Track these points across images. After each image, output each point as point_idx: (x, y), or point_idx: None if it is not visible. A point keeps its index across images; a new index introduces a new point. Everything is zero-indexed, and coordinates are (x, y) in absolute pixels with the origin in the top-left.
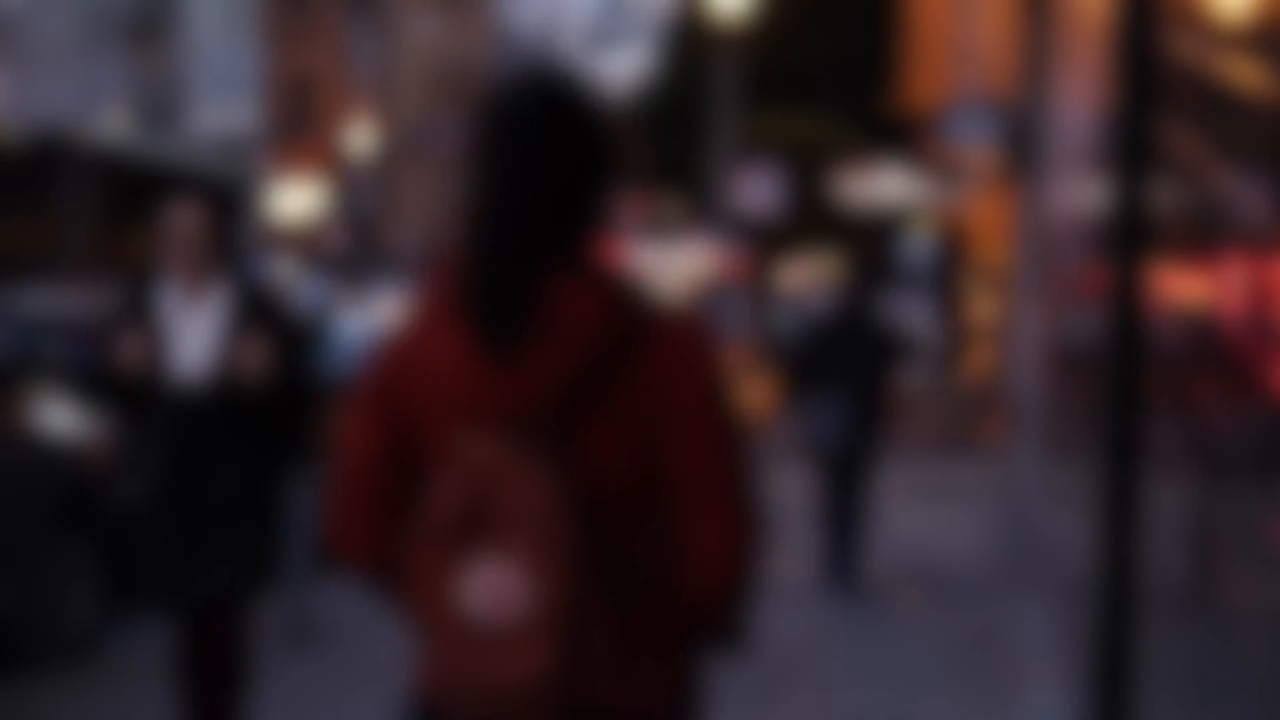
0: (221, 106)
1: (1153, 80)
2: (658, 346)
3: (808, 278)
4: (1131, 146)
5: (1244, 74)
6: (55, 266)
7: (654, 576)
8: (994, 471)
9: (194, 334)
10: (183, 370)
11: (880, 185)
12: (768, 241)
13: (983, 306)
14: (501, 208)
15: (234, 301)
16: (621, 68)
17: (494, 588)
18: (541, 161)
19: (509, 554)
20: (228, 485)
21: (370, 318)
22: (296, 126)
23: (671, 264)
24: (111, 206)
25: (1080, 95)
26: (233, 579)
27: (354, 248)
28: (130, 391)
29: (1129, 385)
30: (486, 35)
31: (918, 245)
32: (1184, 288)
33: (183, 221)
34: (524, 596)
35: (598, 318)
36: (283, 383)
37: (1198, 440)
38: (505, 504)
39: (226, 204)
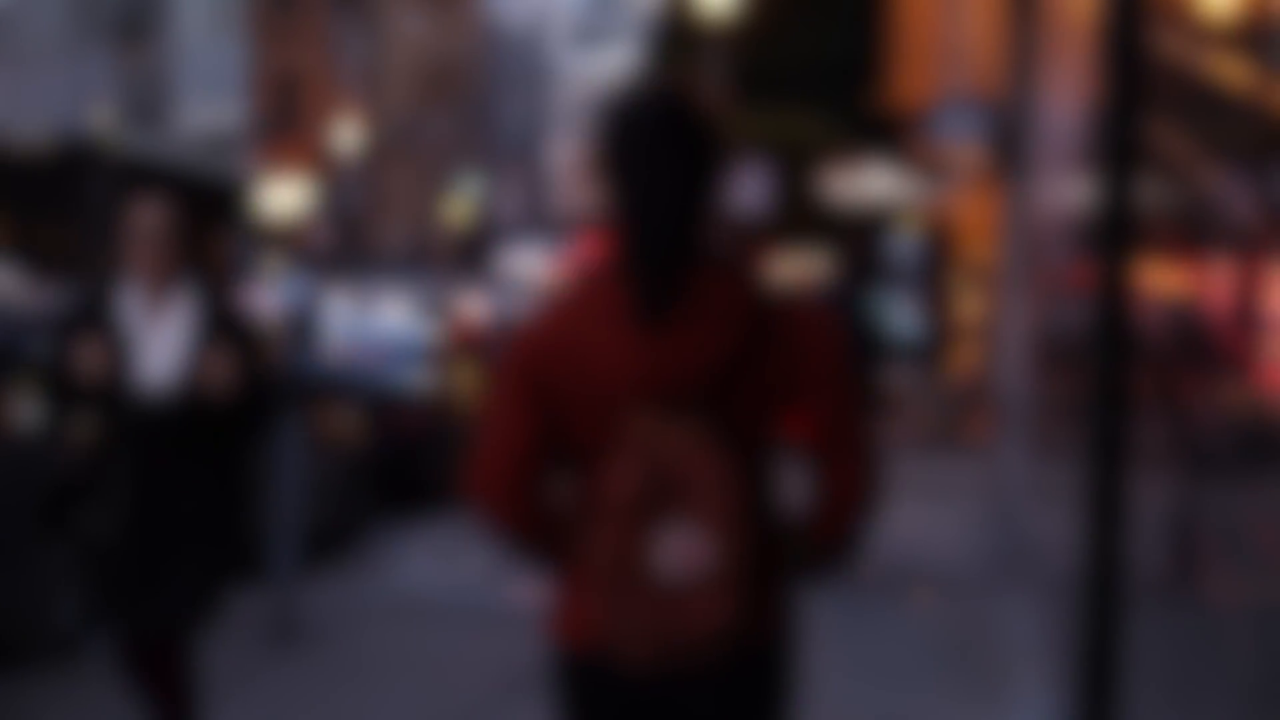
0: (209, 104)
1: (1140, 78)
2: (792, 328)
3: (795, 275)
4: (1118, 144)
5: (1230, 72)
6: (83, 268)
7: (778, 518)
8: (980, 469)
9: (158, 343)
10: (146, 381)
11: (867, 183)
12: (755, 238)
13: (969, 304)
14: (651, 210)
15: (200, 311)
16: (607, 65)
17: (683, 551)
18: (678, 167)
19: (693, 521)
20: (191, 502)
21: (358, 314)
22: (283, 124)
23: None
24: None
25: (1067, 93)
26: (184, 607)
27: (341, 244)
28: (89, 403)
29: (1115, 383)
30: (473, 33)
31: (904, 243)
32: (1170, 285)
33: (148, 220)
34: (709, 557)
35: (744, 304)
36: (247, 396)
37: (1183, 437)
38: (685, 478)
39: (237, 208)
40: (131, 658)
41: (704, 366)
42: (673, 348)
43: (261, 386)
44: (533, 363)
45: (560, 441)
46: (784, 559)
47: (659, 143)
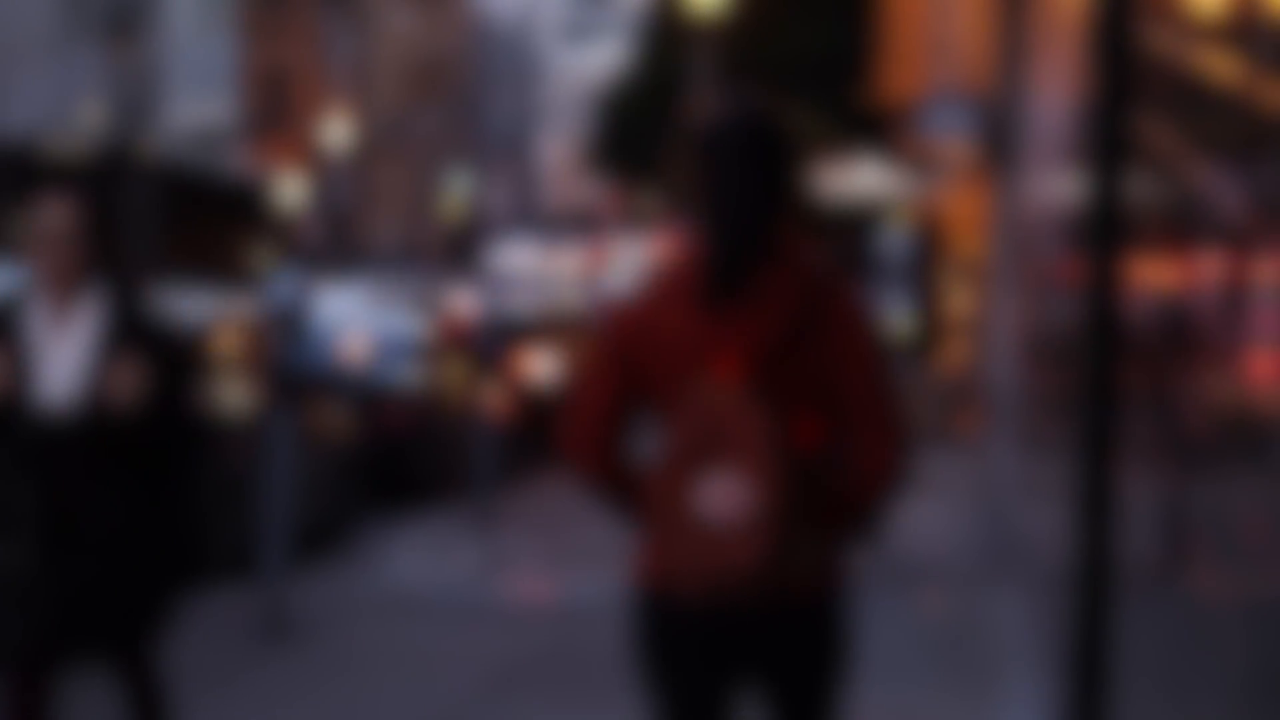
0: (198, 101)
1: (1129, 73)
2: (835, 313)
3: None
4: (1108, 139)
5: (1220, 67)
6: (123, 273)
7: (826, 484)
8: (970, 464)
9: (62, 353)
10: (48, 395)
11: (857, 178)
12: None
13: (959, 299)
14: (728, 213)
15: (107, 318)
16: (597, 61)
17: (725, 497)
18: (753, 178)
19: (735, 472)
20: (107, 526)
21: (348, 311)
22: (273, 120)
23: (649, 256)
24: (171, 215)
25: (1057, 88)
26: (129, 627)
27: (330, 240)
28: None
29: (1105, 378)
30: (462, 28)
31: (894, 238)
32: (1159, 280)
33: (52, 220)
34: (748, 503)
35: (796, 294)
36: (160, 412)
37: (1173, 432)
38: (732, 435)
39: (263, 214)
40: (16, 689)
41: (758, 345)
42: (733, 328)
43: (178, 400)
44: (619, 337)
45: (641, 405)
46: (833, 521)
47: (738, 156)
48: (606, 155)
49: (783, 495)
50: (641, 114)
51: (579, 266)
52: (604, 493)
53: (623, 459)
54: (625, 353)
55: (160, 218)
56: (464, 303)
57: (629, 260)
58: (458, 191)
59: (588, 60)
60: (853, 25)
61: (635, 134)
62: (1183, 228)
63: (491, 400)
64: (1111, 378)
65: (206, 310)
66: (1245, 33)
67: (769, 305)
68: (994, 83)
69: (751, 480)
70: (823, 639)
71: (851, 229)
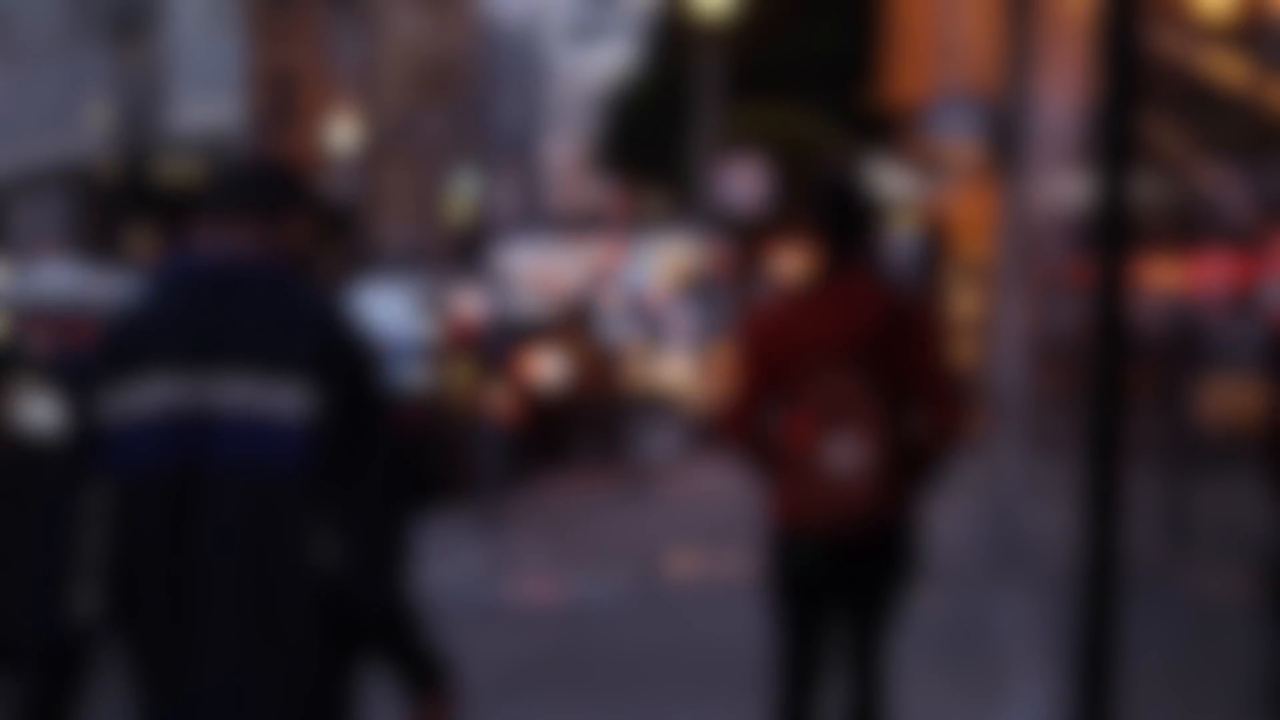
0: (205, 102)
1: (1135, 75)
2: (910, 318)
3: (792, 272)
4: (1114, 141)
5: (1226, 68)
6: None
7: (907, 441)
8: (976, 465)
9: None
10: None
11: (863, 180)
12: (751, 236)
13: (965, 301)
14: (828, 243)
15: None
16: (604, 63)
17: (849, 456)
18: (841, 223)
19: (855, 436)
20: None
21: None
22: (279, 121)
23: (656, 258)
24: None
25: (1063, 90)
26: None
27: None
28: None
29: (1111, 378)
30: (468, 30)
31: (901, 240)
32: (1166, 282)
33: None
34: (866, 460)
35: (880, 302)
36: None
37: (1179, 433)
38: (850, 407)
39: (344, 227)
40: None
41: (854, 340)
42: (838, 331)
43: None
44: (757, 340)
45: (775, 387)
46: (912, 467)
47: (832, 208)
48: (613, 156)
49: (889, 455)
50: (648, 116)
51: (587, 268)
52: (750, 458)
53: (764, 431)
54: (762, 352)
55: None
56: (470, 304)
57: (637, 261)
58: (464, 193)
59: (594, 62)
60: (859, 27)
61: (641, 135)
62: (1189, 229)
63: (498, 401)
64: (1118, 379)
65: None
66: (1252, 34)
67: (862, 314)
68: (1000, 84)
69: (868, 442)
70: (905, 556)
71: None
